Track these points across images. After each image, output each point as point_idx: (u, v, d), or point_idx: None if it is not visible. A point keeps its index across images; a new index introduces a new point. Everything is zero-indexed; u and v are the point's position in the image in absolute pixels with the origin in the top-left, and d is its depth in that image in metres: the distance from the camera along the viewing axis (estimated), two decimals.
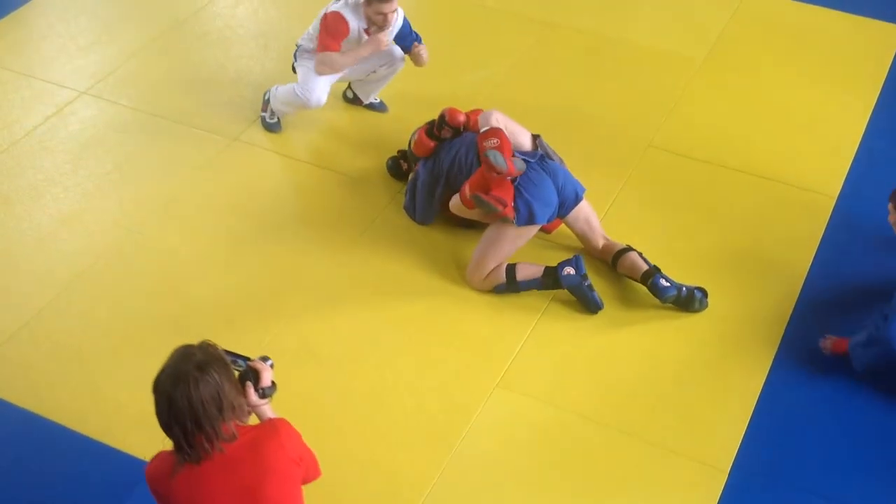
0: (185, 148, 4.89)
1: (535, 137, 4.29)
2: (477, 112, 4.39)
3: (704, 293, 4.01)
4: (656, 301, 4.04)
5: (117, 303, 4.12)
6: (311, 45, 4.72)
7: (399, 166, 4.62)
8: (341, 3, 4.60)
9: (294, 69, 4.83)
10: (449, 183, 4.25)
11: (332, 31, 4.58)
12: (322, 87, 4.70)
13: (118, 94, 5.22)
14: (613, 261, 4.13)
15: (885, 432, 3.62)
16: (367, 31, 4.63)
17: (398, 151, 4.66)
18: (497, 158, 3.92)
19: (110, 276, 4.24)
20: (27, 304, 4.10)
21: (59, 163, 4.80)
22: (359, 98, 5.08)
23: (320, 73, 4.66)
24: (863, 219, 4.43)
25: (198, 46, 5.58)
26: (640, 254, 4.09)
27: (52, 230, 4.45)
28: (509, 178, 3.95)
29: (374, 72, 4.88)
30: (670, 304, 3.99)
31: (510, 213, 3.94)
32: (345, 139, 4.95)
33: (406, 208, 4.45)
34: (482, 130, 4.11)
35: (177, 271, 4.25)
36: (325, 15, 4.60)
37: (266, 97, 4.92)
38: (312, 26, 4.72)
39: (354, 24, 4.58)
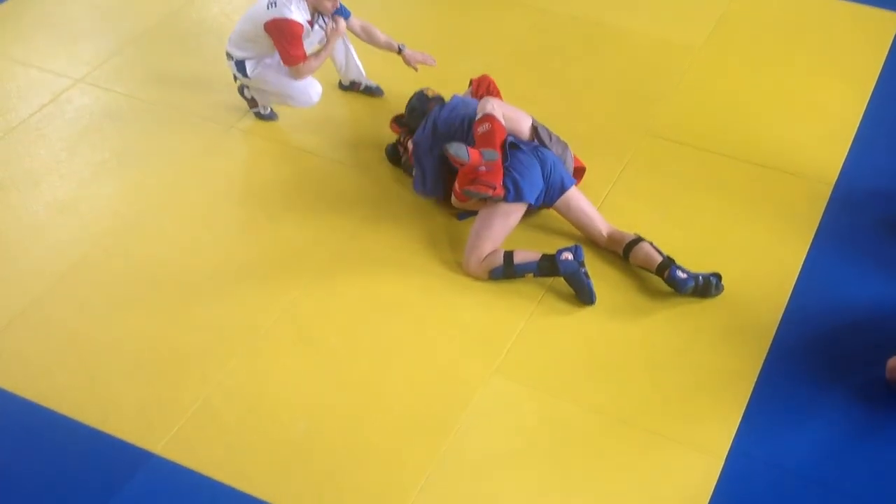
0: (181, 136, 4.88)
1: (535, 125, 4.31)
2: (485, 78, 4.49)
3: (719, 278, 4.02)
4: (652, 289, 4.04)
5: (114, 291, 4.12)
6: (254, 50, 4.64)
7: (398, 152, 4.62)
8: (278, 5, 4.47)
9: (236, 78, 4.79)
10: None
11: (289, 38, 4.49)
12: (310, 85, 4.71)
13: (114, 82, 5.21)
14: (625, 252, 4.12)
15: (882, 419, 3.63)
16: (310, 21, 4.60)
17: (397, 139, 4.65)
18: (459, 151, 3.99)
19: (107, 264, 4.23)
20: (24, 293, 4.09)
21: (55, 150, 4.79)
22: (355, 83, 5.07)
23: (303, 78, 4.63)
24: (860, 206, 4.43)
25: (193, 33, 5.56)
26: (652, 244, 4.08)
27: (48, 218, 4.44)
28: (484, 168, 4.00)
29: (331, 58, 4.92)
30: (689, 295, 3.99)
31: (500, 192, 4.01)
32: (341, 127, 4.94)
33: (416, 185, 4.42)
34: (477, 118, 4.13)
35: (173, 258, 4.25)
36: (273, 23, 4.48)
37: (249, 96, 4.89)
38: (241, 30, 4.64)
39: (301, 19, 4.52)
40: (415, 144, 4.40)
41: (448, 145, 4.01)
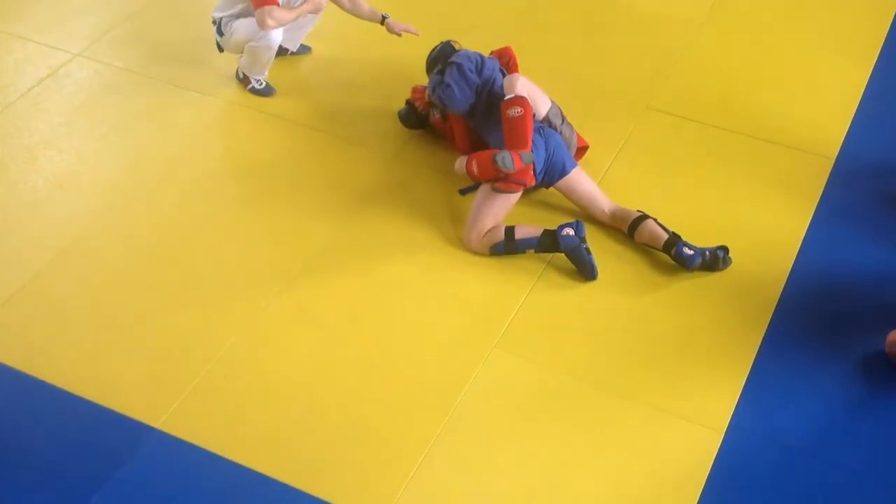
0: (181, 110, 4.86)
1: (551, 109, 4.30)
2: (506, 50, 4.49)
3: (726, 250, 4.01)
4: (653, 264, 4.04)
5: (114, 266, 4.11)
6: (236, 9, 4.67)
7: (415, 112, 4.58)
8: None
9: (220, 46, 4.81)
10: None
11: None
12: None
13: (113, 56, 5.18)
14: (630, 230, 4.11)
15: (882, 393, 3.64)
16: None
17: (406, 102, 4.63)
18: (505, 161, 3.95)
19: (107, 240, 4.23)
20: (23, 267, 4.09)
21: (53, 125, 4.77)
22: (283, 48, 5.05)
23: (267, 27, 4.54)
24: (861, 180, 4.42)
25: (192, 7, 5.53)
26: (656, 220, 4.07)
27: (47, 193, 4.43)
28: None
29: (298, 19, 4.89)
30: (696, 270, 3.99)
31: (532, 182, 4.05)
32: (340, 102, 4.92)
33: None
34: (507, 97, 4.08)
35: (173, 234, 4.24)
36: None
37: (241, 75, 4.90)
38: None
39: None
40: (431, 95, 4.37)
41: (495, 156, 3.97)
